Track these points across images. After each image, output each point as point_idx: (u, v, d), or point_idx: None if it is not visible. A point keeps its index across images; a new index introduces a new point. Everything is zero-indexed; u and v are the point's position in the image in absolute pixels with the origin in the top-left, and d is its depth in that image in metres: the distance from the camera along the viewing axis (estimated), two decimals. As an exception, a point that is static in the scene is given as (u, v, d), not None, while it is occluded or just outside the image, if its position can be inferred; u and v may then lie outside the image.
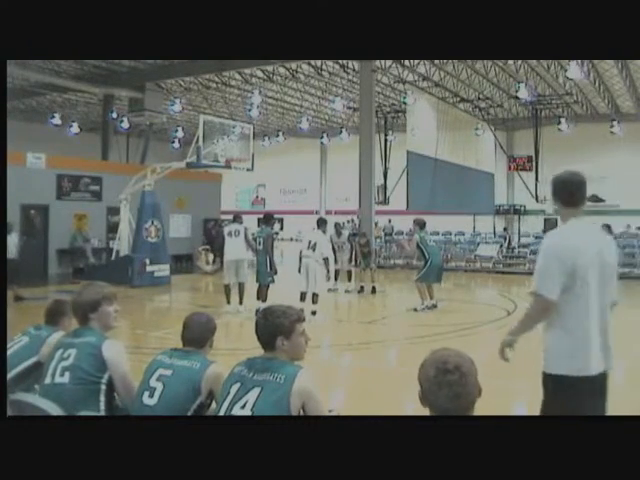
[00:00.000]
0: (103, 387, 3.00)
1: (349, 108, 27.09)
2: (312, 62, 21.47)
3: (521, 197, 29.02)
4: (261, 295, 10.26)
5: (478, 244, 23.34)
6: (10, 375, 3.26)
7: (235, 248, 10.69)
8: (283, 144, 33.06)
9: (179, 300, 14.43)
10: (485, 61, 20.77)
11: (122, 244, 15.83)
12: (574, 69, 17.57)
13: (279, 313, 2.73)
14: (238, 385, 2.60)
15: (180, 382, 2.89)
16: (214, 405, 2.88)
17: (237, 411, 2.53)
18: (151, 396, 2.87)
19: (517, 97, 22.71)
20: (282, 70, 22.86)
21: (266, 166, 30.49)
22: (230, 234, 10.77)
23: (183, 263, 19.90)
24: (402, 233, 24.67)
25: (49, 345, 3.52)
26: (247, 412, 2.51)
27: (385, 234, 25.11)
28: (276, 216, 13.91)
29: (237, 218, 11.14)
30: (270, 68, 22.31)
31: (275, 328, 2.68)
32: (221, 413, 2.58)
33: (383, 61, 20.50)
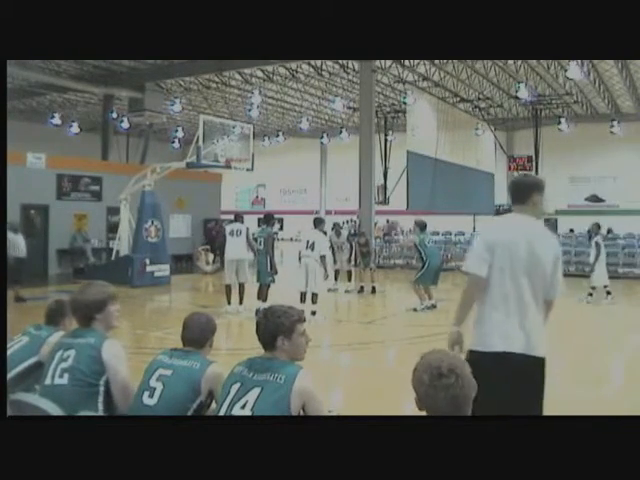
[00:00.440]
0: (101, 389, 2.99)
1: (349, 108, 27.09)
2: (312, 62, 21.47)
3: (521, 197, 29.04)
4: (261, 295, 10.27)
5: (478, 244, 23.31)
6: (10, 375, 3.25)
7: (236, 248, 10.69)
8: (283, 144, 33.07)
9: (179, 300, 14.43)
10: (485, 61, 20.77)
11: (122, 244, 15.83)
12: (574, 69, 17.58)
13: (280, 313, 2.73)
14: (238, 385, 2.60)
15: (180, 382, 2.89)
16: (214, 405, 2.88)
17: (237, 411, 2.53)
18: (151, 396, 2.87)
19: (517, 97, 22.71)
20: (282, 70, 22.86)
21: (266, 166, 30.50)
22: (232, 233, 10.77)
23: (183, 263, 19.90)
24: (402, 232, 24.69)
25: (49, 345, 3.52)
26: (247, 412, 2.51)
27: (385, 234, 25.10)
28: (276, 216, 13.90)
29: (238, 217, 11.16)
30: (270, 68, 22.31)
31: (275, 328, 2.69)
32: (221, 413, 2.58)
33: (383, 61, 20.51)
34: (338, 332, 10.00)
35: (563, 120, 24.94)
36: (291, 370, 2.60)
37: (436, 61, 20.74)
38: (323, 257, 10.27)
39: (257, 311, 9.65)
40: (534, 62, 20.48)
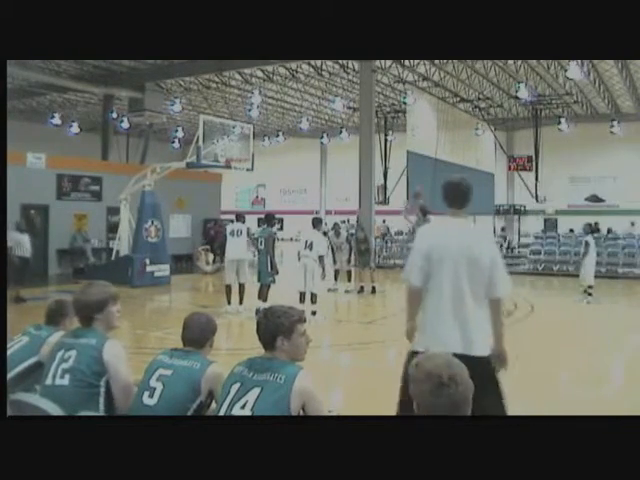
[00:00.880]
0: (102, 390, 2.99)
1: (349, 108, 27.08)
2: (312, 62, 21.46)
3: (521, 197, 29.02)
4: (262, 295, 10.27)
5: (478, 244, 23.32)
6: (10, 375, 3.25)
7: (237, 247, 10.72)
8: (283, 144, 33.06)
9: (179, 300, 14.43)
10: (485, 61, 20.76)
11: (122, 244, 15.83)
12: (574, 69, 17.57)
13: (280, 313, 2.73)
14: (238, 385, 2.60)
15: (180, 382, 2.89)
16: (214, 405, 2.88)
17: (237, 411, 2.53)
18: (151, 396, 2.87)
19: (517, 97, 22.71)
20: (282, 70, 22.85)
21: (266, 166, 30.49)
22: (232, 233, 10.80)
23: (183, 263, 19.90)
24: (401, 233, 24.67)
25: (49, 345, 3.52)
26: (247, 412, 2.51)
27: (383, 234, 25.09)
28: (276, 216, 13.91)
29: (240, 217, 11.18)
30: (270, 68, 22.30)
31: (275, 328, 2.69)
32: (221, 413, 2.58)
33: (383, 61, 20.50)
34: (338, 332, 10.00)
35: (563, 120, 24.93)
36: (291, 370, 2.60)
37: (436, 61, 20.73)
38: (321, 257, 10.27)
39: (257, 311, 9.66)
40: (534, 62, 20.47)
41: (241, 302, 10.76)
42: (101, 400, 2.98)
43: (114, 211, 17.20)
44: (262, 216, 12.62)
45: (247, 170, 16.66)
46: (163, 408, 2.81)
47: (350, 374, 7.40)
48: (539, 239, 22.45)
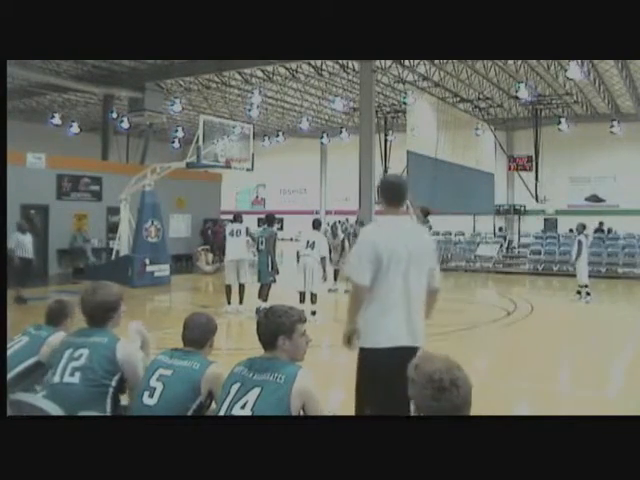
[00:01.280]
0: (111, 389, 3.01)
1: (349, 108, 27.08)
2: (312, 62, 21.45)
3: (521, 197, 29.01)
4: (262, 295, 10.28)
5: (478, 244, 23.34)
6: (10, 375, 3.25)
7: (236, 248, 10.75)
8: (283, 144, 33.03)
9: (179, 300, 14.43)
10: (485, 61, 20.75)
11: (122, 244, 15.83)
12: (574, 69, 17.56)
13: (281, 313, 2.73)
14: (238, 385, 2.61)
15: (180, 382, 2.89)
16: (214, 405, 2.88)
17: (237, 411, 2.53)
18: (151, 396, 2.87)
19: (517, 97, 22.70)
20: (282, 70, 22.84)
21: (266, 166, 30.48)
22: (232, 234, 10.83)
23: (183, 263, 19.91)
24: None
25: (49, 345, 3.52)
26: (247, 412, 2.51)
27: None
28: (276, 216, 13.94)
29: (238, 217, 11.20)
30: (270, 68, 22.29)
31: (277, 327, 2.69)
32: (221, 413, 2.58)
33: (383, 61, 20.49)
34: (338, 332, 9.96)
35: (563, 120, 24.92)
36: (291, 370, 2.60)
37: (436, 61, 20.72)
38: (323, 259, 10.28)
39: (257, 311, 9.67)
40: (534, 62, 20.46)
41: (241, 302, 10.77)
42: (108, 399, 3.00)
43: (114, 211, 17.19)
44: (262, 216, 12.66)
45: (247, 170, 16.67)
46: (163, 408, 2.81)
47: (350, 374, 7.38)
48: (539, 239, 22.45)
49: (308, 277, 10.15)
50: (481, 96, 24.89)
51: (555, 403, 5.87)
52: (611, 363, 8.01)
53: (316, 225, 10.75)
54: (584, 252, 13.06)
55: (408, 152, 19.46)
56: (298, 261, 10.48)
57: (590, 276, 13.68)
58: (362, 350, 3.37)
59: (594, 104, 26.09)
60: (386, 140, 27.14)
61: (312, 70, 22.57)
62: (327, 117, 31.89)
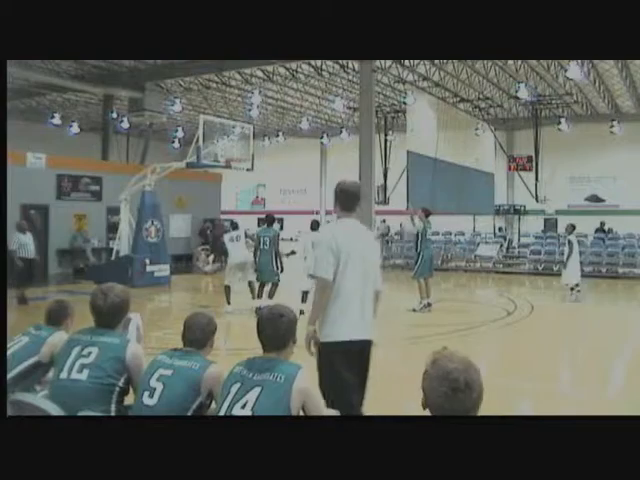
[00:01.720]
0: (117, 389, 3.02)
1: (349, 108, 27.07)
2: (312, 62, 21.44)
3: (521, 197, 28.99)
4: (270, 294, 10.53)
5: (478, 244, 23.35)
6: (10, 375, 3.26)
7: (239, 251, 11.09)
8: (283, 144, 33.02)
9: (179, 300, 14.43)
10: (485, 61, 20.75)
11: (122, 244, 15.82)
12: (574, 69, 17.56)
13: (292, 316, 2.80)
14: (238, 385, 2.61)
15: (180, 382, 2.89)
16: (214, 405, 2.88)
17: (237, 411, 2.54)
18: (151, 396, 2.87)
19: (517, 97, 22.68)
20: (282, 70, 22.83)
21: (266, 166, 30.47)
22: (232, 240, 11.18)
23: (183, 263, 19.91)
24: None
25: (49, 345, 3.52)
26: (247, 412, 2.51)
27: (383, 235, 25.08)
28: (276, 216, 14.01)
29: (234, 224, 11.72)
30: (270, 68, 22.28)
31: (287, 331, 2.77)
32: (221, 413, 2.59)
33: (383, 61, 20.49)
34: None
35: (563, 120, 24.91)
36: (291, 369, 2.61)
37: (436, 61, 20.72)
38: None
39: (257, 310, 9.70)
40: (534, 62, 20.45)
41: (254, 297, 10.84)
42: (114, 399, 3.01)
43: (114, 211, 17.19)
44: (263, 216, 12.86)
45: (247, 170, 16.67)
46: (163, 408, 2.81)
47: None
48: (539, 239, 22.44)
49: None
50: (481, 96, 24.87)
51: (555, 403, 5.87)
52: (611, 363, 8.01)
53: (314, 226, 10.84)
54: (575, 252, 13.11)
55: (408, 152, 19.45)
56: (305, 260, 10.56)
57: (590, 276, 13.70)
58: (323, 345, 3.58)
59: (594, 104, 26.08)
60: (386, 140, 27.12)
61: (312, 70, 22.55)
62: (327, 117, 31.88)
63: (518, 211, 28.74)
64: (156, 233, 15.49)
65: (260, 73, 23.18)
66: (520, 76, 21.43)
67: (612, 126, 24.80)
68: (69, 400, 2.87)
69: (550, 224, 27.92)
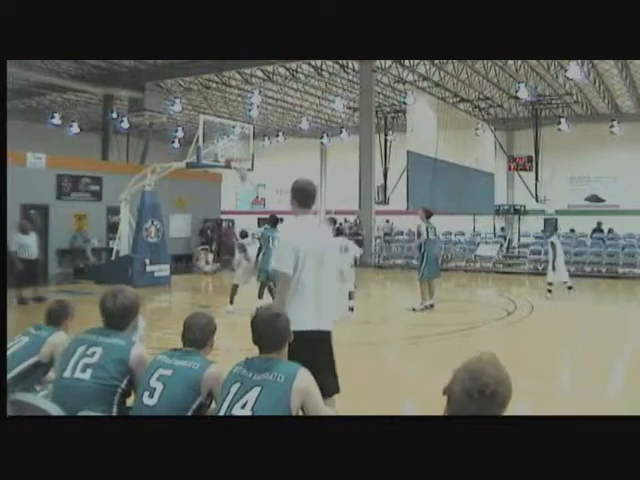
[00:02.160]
0: (120, 390, 3.02)
1: (349, 108, 27.08)
2: (312, 62, 21.46)
3: (521, 197, 28.99)
4: (273, 293, 10.52)
5: (478, 244, 23.34)
6: (10, 375, 3.26)
7: (254, 252, 11.28)
8: (283, 144, 33.03)
9: (179, 300, 14.43)
10: (485, 61, 20.76)
11: (122, 244, 15.81)
12: (574, 69, 17.57)
13: (287, 319, 2.80)
14: (238, 385, 2.61)
15: (180, 382, 2.89)
16: (214, 405, 2.88)
17: (237, 411, 2.53)
18: (151, 396, 2.87)
19: (517, 97, 22.70)
20: (282, 70, 22.84)
21: (266, 166, 30.46)
22: (249, 244, 11.54)
23: (183, 263, 19.91)
24: (402, 233, 24.66)
25: (49, 345, 3.52)
26: (247, 412, 2.51)
27: (385, 234, 25.09)
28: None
29: (243, 233, 12.47)
30: (270, 68, 22.30)
31: (285, 333, 2.77)
32: (221, 413, 2.58)
33: (383, 61, 20.51)
34: (338, 332, 9.97)
35: (563, 120, 24.92)
36: (290, 369, 2.62)
37: (436, 61, 20.73)
38: None
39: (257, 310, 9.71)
40: (534, 62, 20.46)
41: (261, 297, 10.91)
42: (116, 400, 3.01)
43: (114, 211, 17.19)
44: (266, 216, 13.16)
45: (247, 170, 16.66)
46: (163, 408, 2.81)
47: (350, 374, 7.37)
48: (539, 239, 22.45)
49: None
50: (481, 96, 24.89)
51: (555, 403, 5.87)
52: (611, 363, 8.01)
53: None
54: (559, 253, 13.19)
55: (408, 152, 19.47)
56: None
57: (590, 276, 13.71)
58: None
59: (594, 104, 26.09)
60: (386, 140, 27.14)
61: (312, 70, 22.57)
62: (327, 117, 31.89)
63: (518, 211, 28.74)
64: (156, 233, 15.49)
65: (260, 73, 23.20)
66: (520, 76, 21.45)
67: (612, 126, 24.81)
68: (71, 399, 2.87)
69: (550, 224, 27.91)
